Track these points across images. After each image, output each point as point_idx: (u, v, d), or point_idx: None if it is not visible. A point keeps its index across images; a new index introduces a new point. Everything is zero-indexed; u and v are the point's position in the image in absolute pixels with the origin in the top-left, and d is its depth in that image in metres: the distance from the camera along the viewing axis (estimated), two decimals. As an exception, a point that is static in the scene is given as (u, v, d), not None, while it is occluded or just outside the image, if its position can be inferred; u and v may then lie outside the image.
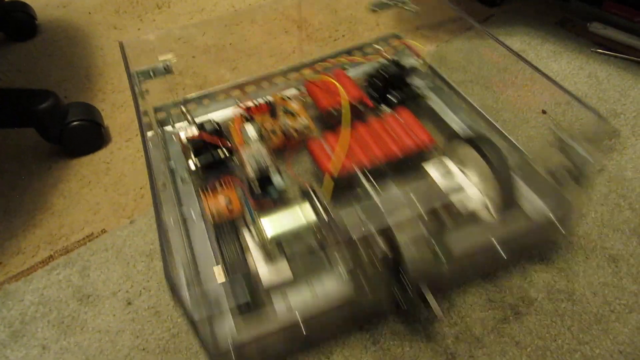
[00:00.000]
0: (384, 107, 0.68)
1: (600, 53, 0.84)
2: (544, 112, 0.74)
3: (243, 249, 0.48)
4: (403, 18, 0.95)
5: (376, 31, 0.95)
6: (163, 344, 0.51)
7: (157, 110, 0.71)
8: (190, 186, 0.62)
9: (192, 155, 0.62)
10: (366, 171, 0.52)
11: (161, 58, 0.63)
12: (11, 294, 0.58)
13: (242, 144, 0.63)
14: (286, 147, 0.66)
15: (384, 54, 0.76)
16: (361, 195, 0.50)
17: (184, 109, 0.67)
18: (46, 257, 0.62)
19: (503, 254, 0.50)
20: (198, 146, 0.62)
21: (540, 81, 0.54)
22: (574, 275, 0.53)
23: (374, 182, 0.50)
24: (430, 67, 0.75)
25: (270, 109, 0.68)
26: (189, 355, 0.51)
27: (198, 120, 0.66)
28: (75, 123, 0.71)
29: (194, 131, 0.63)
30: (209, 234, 0.56)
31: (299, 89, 0.73)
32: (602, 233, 0.57)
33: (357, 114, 0.66)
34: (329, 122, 0.66)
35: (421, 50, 0.74)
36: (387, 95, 0.68)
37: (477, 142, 0.53)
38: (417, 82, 0.71)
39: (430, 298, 0.45)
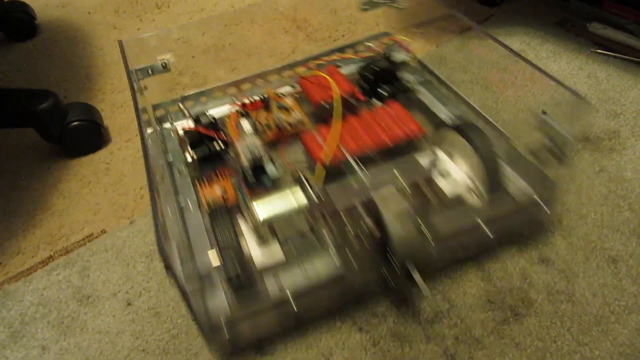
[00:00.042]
0: (375, 100, 0.70)
1: (600, 53, 0.84)
2: (544, 112, 0.74)
3: (237, 233, 0.50)
4: (403, 19, 0.95)
5: (376, 31, 0.95)
6: (163, 345, 0.51)
7: (155, 107, 0.72)
8: (187, 178, 0.63)
9: (189, 148, 0.63)
10: (354, 157, 0.55)
11: (159, 57, 0.64)
12: (11, 295, 0.58)
13: (237, 137, 0.65)
14: (280, 140, 0.67)
15: (375, 49, 0.78)
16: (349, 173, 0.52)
17: (180, 105, 0.70)
18: (46, 258, 0.62)
19: (489, 233, 0.52)
20: (194, 139, 0.63)
21: (529, 72, 0.57)
22: (574, 276, 0.53)
23: (360, 163, 0.54)
24: (420, 62, 0.77)
25: (265, 104, 0.69)
26: (189, 356, 0.51)
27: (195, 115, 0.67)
28: (75, 123, 0.71)
29: (190, 125, 0.65)
30: (205, 223, 0.57)
31: (293, 86, 0.74)
32: (601, 234, 0.57)
33: (349, 108, 0.67)
34: (321, 115, 0.67)
35: (410, 46, 0.76)
36: (378, 89, 0.70)
37: (463, 129, 0.55)
38: (407, 76, 0.73)
39: (416, 276, 0.46)
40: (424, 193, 0.50)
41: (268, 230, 0.51)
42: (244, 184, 0.60)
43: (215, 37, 0.97)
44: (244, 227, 0.52)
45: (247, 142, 0.62)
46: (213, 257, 0.48)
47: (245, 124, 0.67)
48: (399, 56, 0.73)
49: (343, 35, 0.95)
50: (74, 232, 0.64)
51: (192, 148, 0.63)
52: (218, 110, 0.72)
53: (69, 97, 0.85)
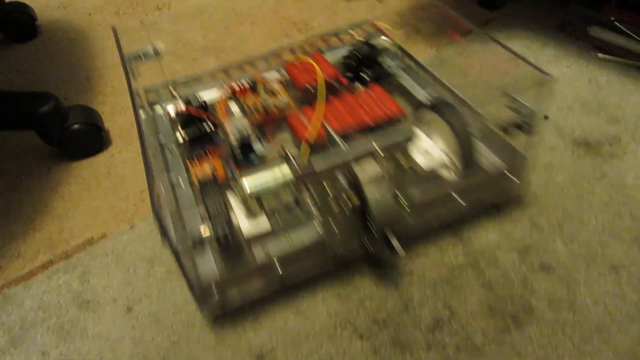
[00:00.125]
0: (357, 84, 0.72)
1: (601, 58, 0.84)
2: (545, 117, 0.74)
3: (226, 205, 0.52)
4: (403, 22, 0.95)
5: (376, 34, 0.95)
6: (163, 352, 0.51)
7: (147, 91, 0.74)
8: (178, 158, 0.66)
9: (180, 129, 0.65)
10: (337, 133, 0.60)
11: (151, 44, 0.67)
12: (11, 299, 0.58)
13: (226, 119, 0.67)
14: (267, 122, 0.69)
15: (357, 36, 0.81)
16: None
17: (171, 88, 0.72)
18: (46, 262, 0.62)
19: (462, 202, 0.56)
20: (185, 120, 0.66)
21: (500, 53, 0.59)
22: (575, 283, 0.53)
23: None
24: (400, 47, 0.79)
25: (252, 87, 0.71)
26: (189, 362, 0.51)
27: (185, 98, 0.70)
28: (75, 126, 0.71)
29: (181, 107, 0.67)
30: (195, 199, 0.60)
31: (279, 72, 0.76)
32: (602, 241, 0.57)
33: (333, 91, 0.70)
34: (306, 98, 0.70)
35: (390, 32, 0.80)
36: (360, 74, 0.73)
37: (439, 107, 0.58)
38: (388, 61, 0.77)
39: (393, 240, 0.50)
40: (401, 165, 0.53)
41: (256, 203, 0.53)
42: (233, 162, 0.62)
43: (216, 40, 0.97)
44: (233, 201, 0.54)
45: (235, 122, 0.64)
46: (204, 230, 0.51)
47: (234, 107, 0.70)
48: (380, 42, 0.78)
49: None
50: (74, 236, 0.64)
51: (183, 129, 0.65)
52: (208, 95, 0.73)
53: (70, 99, 0.85)
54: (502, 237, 0.59)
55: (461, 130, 0.56)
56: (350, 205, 0.50)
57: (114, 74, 0.90)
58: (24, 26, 1.00)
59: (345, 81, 0.72)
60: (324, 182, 0.50)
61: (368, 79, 0.72)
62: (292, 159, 0.54)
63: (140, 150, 0.73)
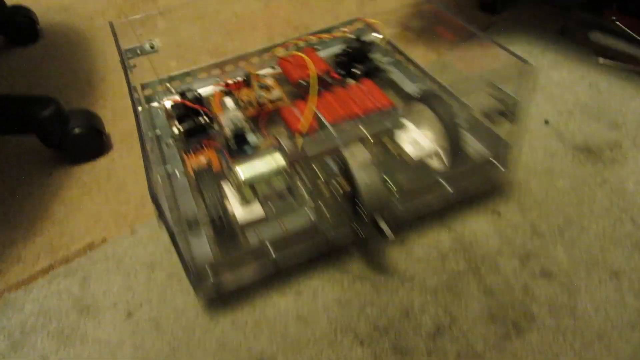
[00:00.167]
0: (349, 79, 0.74)
1: (602, 63, 0.84)
2: (546, 122, 0.74)
3: (221, 193, 0.54)
4: (405, 27, 0.95)
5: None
6: (163, 357, 0.51)
7: (144, 87, 0.77)
8: (174, 150, 0.68)
9: (176, 121, 0.67)
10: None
11: (147, 39, 0.71)
12: (11, 304, 0.58)
13: (221, 112, 0.69)
14: (261, 115, 0.71)
15: (348, 33, 0.83)
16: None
17: (168, 84, 0.76)
18: (46, 266, 0.61)
19: (449, 188, 0.58)
20: (181, 113, 0.68)
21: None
22: (576, 290, 0.53)
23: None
24: (390, 43, 0.82)
25: (246, 81, 0.74)
26: (190, 368, 0.51)
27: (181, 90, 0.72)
28: (76, 130, 0.71)
29: (177, 100, 0.70)
30: (191, 189, 0.62)
31: (273, 68, 0.79)
32: (603, 247, 0.57)
33: (325, 85, 0.72)
34: (299, 92, 0.72)
35: (380, 27, 0.83)
36: (352, 69, 0.75)
37: (428, 99, 0.60)
38: (379, 56, 0.79)
39: (382, 224, 0.52)
40: (389, 150, 0.56)
41: (249, 190, 0.55)
42: (227, 153, 0.64)
43: (216, 43, 0.97)
44: (227, 190, 0.56)
45: (229, 115, 0.66)
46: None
47: (229, 102, 0.72)
48: (370, 37, 0.81)
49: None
50: (75, 241, 0.64)
51: (178, 121, 0.67)
52: (203, 91, 0.75)
53: (71, 103, 0.85)
54: (503, 242, 0.59)
55: (449, 120, 0.59)
56: (341, 191, 0.53)
57: (115, 78, 0.90)
58: (26, 29, 1.00)
59: (337, 76, 0.74)
60: (314, 166, 0.53)
61: (359, 74, 0.74)
62: (282, 144, 0.56)
63: (140, 154, 0.74)
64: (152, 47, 0.70)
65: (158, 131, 0.72)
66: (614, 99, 0.77)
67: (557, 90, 0.79)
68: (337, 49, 0.79)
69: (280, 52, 0.79)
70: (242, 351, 0.51)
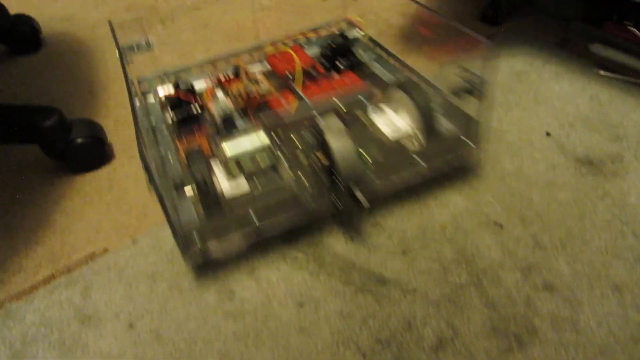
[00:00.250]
0: (333, 72, 0.79)
1: (603, 75, 0.85)
2: (548, 134, 0.74)
3: (209, 170, 0.58)
4: (408, 36, 0.95)
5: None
6: (165, 369, 0.51)
7: (140, 80, 0.81)
8: (168, 137, 0.72)
9: (169, 110, 0.72)
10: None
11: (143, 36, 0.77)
12: (12, 314, 0.58)
13: (212, 102, 0.74)
14: (249, 105, 0.74)
15: (333, 30, 0.90)
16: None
17: (162, 78, 0.81)
18: (48, 276, 0.61)
19: (423, 163, 0.64)
20: (174, 103, 0.73)
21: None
22: (578, 303, 0.53)
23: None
24: (371, 39, 0.87)
25: (236, 74, 0.78)
26: (191, 380, 0.50)
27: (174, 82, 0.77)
28: (78, 140, 0.71)
29: (171, 90, 0.75)
30: (182, 173, 0.64)
31: (262, 63, 0.83)
32: (605, 261, 0.57)
33: (310, 78, 0.77)
34: (286, 85, 0.76)
35: (363, 26, 0.89)
36: (336, 62, 0.80)
37: (404, 85, 0.66)
38: (361, 51, 0.85)
39: (357, 193, 0.56)
40: (366, 129, 0.61)
41: (235, 166, 0.60)
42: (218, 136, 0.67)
43: (218, 52, 0.97)
44: (216, 168, 0.61)
45: (220, 103, 0.72)
46: (188, 190, 0.57)
47: (220, 94, 0.75)
48: (353, 34, 0.88)
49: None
50: (76, 251, 0.64)
51: (172, 110, 0.72)
52: (196, 85, 0.78)
53: (73, 112, 0.85)
54: (505, 255, 0.59)
55: (423, 103, 0.64)
56: (320, 164, 0.57)
57: (117, 87, 0.91)
58: (28, 39, 1.01)
59: (321, 69, 0.79)
60: (293, 137, 0.58)
61: (342, 67, 0.79)
62: (264, 119, 0.61)
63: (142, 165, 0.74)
64: (147, 45, 0.75)
65: (152, 119, 0.76)
66: (615, 111, 0.78)
67: (558, 103, 0.80)
68: (321, 46, 0.84)
69: (270, 49, 0.84)
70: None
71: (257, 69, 0.81)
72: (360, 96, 0.58)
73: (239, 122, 0.71)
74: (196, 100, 0.73)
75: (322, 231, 0.63)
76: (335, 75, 0.78)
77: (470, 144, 0.66)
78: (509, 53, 0.92)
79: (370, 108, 0.66)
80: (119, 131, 0.81)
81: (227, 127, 0.70)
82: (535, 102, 0.81)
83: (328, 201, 0.59)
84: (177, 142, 0.69)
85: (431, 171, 0.64)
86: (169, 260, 0.61)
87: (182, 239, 0.56)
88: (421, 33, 0.97)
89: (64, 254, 0.64)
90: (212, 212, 0.58)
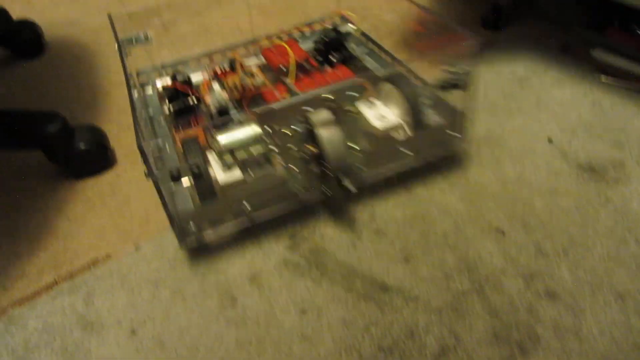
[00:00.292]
0: (326, 66, 0.81)
1: (605, 81, 0.85)
2: (550, 140, 0.75)
3: (205, 159, 0.61)
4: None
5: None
6: (167, 376, 0.51)
7: (139, 73, 0.84)
8: (165, 128, 0.74)
9: (167, 102, 0.74)
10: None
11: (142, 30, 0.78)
12: (15, 320, 0.58)
13: (208, 94, 0.76)
14: (244, 97, 0.76)
15: (326, 25, 0.92)
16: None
17: (160, 70, 0.83)
18: (50, 282, 0.62)
19: (409, 152, 0.67)
20: (171, 94, 0.75)
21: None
22: (581, 311, 0.53)
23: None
24: (363, 34, 0.89)
25: (231, 66, 0.80)
26: (194, 387, 0.50)
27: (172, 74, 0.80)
28: (82, 146, 0.72)
29: (168, 82, 0.77)
30: (179, 162, 0.66)
31: (257, 57, 0.86)
32: (608, 268, 0.57)
33: (304, 71, 0.79)
34: (280, 77, 0.78)
35: (356, 20, 0.91)
36: (329, 57, 0.82)
37: (393, 78, 0.69)
38: (353, 46, 0.87)
39: (345, 180, 0.59)
40: (355, 120, 0.62)
41: (229, 156, 0.61)
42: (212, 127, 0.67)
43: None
44: (211, 158, 0.63)
45: (215, 95, 0.74)
46: (184, 180, 0.60)
47: (216, 86, 0.78)
48: (345, 28, 0.90)
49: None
50: (79, 257, 0.64)
51: (169, 102, 0.74)
52: (193, 78, 0.80)
53: (76, 117, 0.85)
54: (507, 262, 0.59)
55: (411, 96, 0.66)
56: (310, 154, 0.60)
57: (120, 93, 0.91)
58: (31, 44, 1.01)
59: (314, 63, 0.81)
60: (284, 130, 0.59)
61: (335, 61, 0.81)
62: (257, 111, 0.60)
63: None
64: (145, 38, 0.76)
65: (150, 110, 0.78)
66: (617, 117, 0.78)
67: (560, 109, 0.80)
68: (315, 40, 0.86)
69: (265, 43, 0.86)
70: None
71: (252, 62, 0.84)
72: (349, 91, 0.59)
73: (234, 114, 0.73)
74: (193, 92, 0.75)
75: (323, 237, 0.63)
76: (328, 69, 0.80)
77: (455, 134, 0.69)
78: (510, 58, 0.92)
79: (360, 100, 0.66)
80: (122, 137, 0.81)
81: (222, 118, 0.71)
82: (537, 108, 0.81)
83: (318, 189, 0.63)
84: (174, 133, 0.71)
85: (419, 161, 0.68)
86: (171, 266, 0.61)
87: (179, 226, 0.59)
88: (414, 29, 1.00)
89: (66, 259, 0.64)
90: (207, 200, 0.60)
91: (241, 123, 0.61)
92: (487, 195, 0.67)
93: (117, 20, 0.75)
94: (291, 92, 0.74)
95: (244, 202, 0.61)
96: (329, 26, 0.90)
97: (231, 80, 0.76)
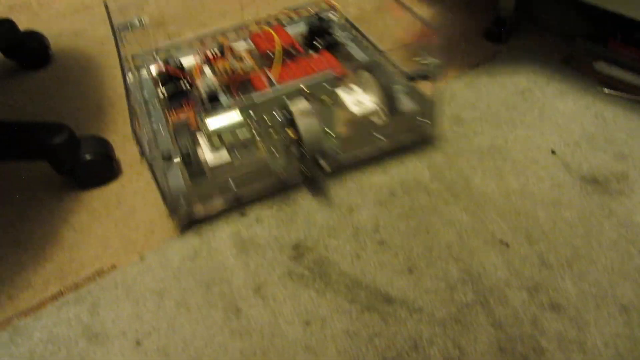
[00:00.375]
0: (311, 51, 0.84)
1: (608, 93, 0.85)
2: (553, 152, 0.75)
3: (195, 142, 0.66)
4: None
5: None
6: (172, 387, 0.51)
7: (134, 57, 0.87)
8: (159, 111, 0.78)
9: (160, 86, 0.78)
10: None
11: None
12: (20, 331, 0.58)
13: (199, 78, 0.79)
14: (233, 81, 0.78)
15: (312, 11, 0.95)
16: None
17: (154, 54, 0.87)
18: (56, 293, 0.62)
19: (382, 138, 0.73)
20: (165, 79, 0.79)
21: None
22: (585, 324, 0.53)
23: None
24: (347, 20, 0.93)
25: (221, 51, 0.83)
26: (198, 399, 0.50)
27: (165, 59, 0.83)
28: (87, 157, 0.72)
29: (162, 67, 0.80)
30: (173, 143, 0.70)
31: (246, 41, 0.88)
32: (612, 280, 0.57)
33: (290, 56, 0.82)
34: (267, 62, 0.81)
35: (338, 8, 0.94)
36: (313, 42, 0.85)
37: (370, 66, 0.74)
38: (338, 32, 0.90)
39: (321, 160, 0.64)
40: (330, 107, 0.67)
41: (217, 139, 0.66)
42: (202, 111, 0.72)
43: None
44: (201, 140, 0.68)
45: (206, 80, 0.76)
46: (176, 161, 0.64)
47: (207, 70, 0.81)
48: (330, 15, 0.93)
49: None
50: (84, 267, 0.64)
51: (163, 86, 0.78)
52: (185, 62, 0.84)
53: (81, 127, 0.86)
54: (511, 274, 0.59)
55: (386, 84, 0.71)
56: (290, 139, 0.65)
57: (125, 103, 0.91)
58: (38, 54, 1.02)
59: (300, 48, 0.84)
60: (265, 117, 0.65)
61: (319, 47, 0.84)
62: (242, 98, 0.66)
63: (150, 180, 0.74)
64: (140, 23, 0.79)
65: (145, 94, 0.81)
66: (619, 129, 0.78)
67: (563, 121, 0.80)
68: (302, 24, 0.90)
69: (253, 27, 0.89)
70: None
71: (242, 47, 0.86)
72: (323, 83, 0.66)
73: (223, 98, 0.76)
74: (185, 77, 0.78)
75: (327, 248, 0.63)
76: (314, 55, 0.83)
77: (425, 121, 0.75)
78: (513, 70, 0.93)
79: (340, 87, 0.73)
80: (127, 147, 0.82)
81: (212, 102, 0.75)
82: (540, 119, 0.81)
83: (297, 169, 0.69)
84: (168, 116, 0.74)
85: (392, 145, 0.75)
86: (176, 277, 0.62)
87: (171, 202, 0.65)
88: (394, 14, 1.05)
89: (72, 270, 0.64)
90: (196, 179, 0.65)
91: (229, 108, 0.66)
92: (490, 207, 0.67)
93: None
94: (272, 84, 0.77)
95: (230, 180, 0.67)
96: (314, 13, 0.94)
97: (221, 64, 0.79)
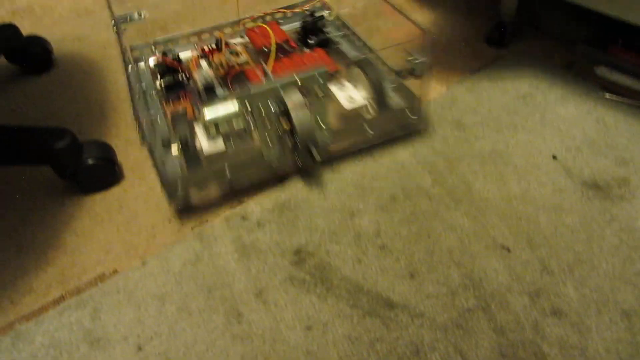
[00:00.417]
0: (305, 48, 0.88)
1: (609, 98, 0.85)
2: (554, 157, 0.75)
3: (192, 130, 0.68)
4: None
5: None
6: (173, 392, 0.51)
7: (132, 48, 0.89)
8: (157, 101, 0.80)
9: (158, 78, 0.81)
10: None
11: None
12: (22, 335, 0.58)
13: (196, 70, 0.81)
14: (229, 74, 0.81)
15: (306, 9, 0.96)
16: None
17: (152, 47, 0.89)
18: (58, 297, 0.62)
19: (370, 130, 0.76)
20: (163, 70, 0.81)
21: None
22: (587, 330, 0.53)
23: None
24: (339, 18, 0.95)
25: (217, 45, 0.85)
26: (200, 404, 0.50)
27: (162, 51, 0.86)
28: (90, 161, 0.72)
29: (159, 59, 0.82)
30: (170, 133, 0.71)
31: (242, 37, 0.91)
32: (613, 286, 0.57)
33: (284, 52, 0.85)
34: (262, 57, 0.84)
35: (332, 6, 0.97)
36: (307, 40, 0.88)
37: (361, 63, 0.77)
38: (331, 30, 0.93)
39: (313, 149, 0.68)
40: (317, 95, 0.70)
41: (214, 128, 0.68)
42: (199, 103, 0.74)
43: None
44: (198, 130, 0.70)
45: (202, 72, 0.79)
46: (174, 149, 0.67)
47: (203, 63, 0.83)
48: (323, 13, 0.95)
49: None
50: (86, 272, 0.64)
51: (160, 78, 0.80)
52: (182, 55, 0.87)
53: (83, 132, 0.86)
54: (513, 279, 0.59)
55: (376, 80, 0.75)
56: (283, 129, 0.68)
57: (128, 108, 0.92)
58: (40, 59, 1.02)
59: (294, 45, 0.87)
60: (260, 106, 0.68)
61: (313, 44, 0.87)
62: (238, 89, 0.69)
63: (152, 185, 0.75)
64: (140, 16, 0.82)
65: (144, 85, 0.83)
66: (621, 134, 0.78)
67: (564, 126, 0.80)
68: (297, 21, 0.93)
69: (249, 23, 0.92)
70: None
71: (238, 42, 0.89)
72: (316, 76, 0.70)
73: (219, 90, 0.79)
74: (182, 69, 0.81)
75: (329, 253, 0.64)
76: (307, 51, 0.86)
77: (409, 114, 0.79)
78: (514, 75, 0.93)
79: (332, 83, 0.78)
80: (129, 152, 0.82)
81: (208, 94, 0.77)
82: (541, 124, 0.81)
83: (290, 159, 0.72)
84: (165, 106, 0.77)
85: (381, 138, 0.78)
86: (177, 281, 0.62)
87: (168, 187, 0.68)
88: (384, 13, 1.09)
89: (73, 275, 0.64)
90: (193, 166, 0.68)
91: (225, 99, 0.68)
92: (492, 212, 0.67)
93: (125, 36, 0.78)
94: (267, 76, 0.79)
95: (226, 169, 0.70)
96: (308, 10, 0.95)
97: (217, 58, 0.81)
